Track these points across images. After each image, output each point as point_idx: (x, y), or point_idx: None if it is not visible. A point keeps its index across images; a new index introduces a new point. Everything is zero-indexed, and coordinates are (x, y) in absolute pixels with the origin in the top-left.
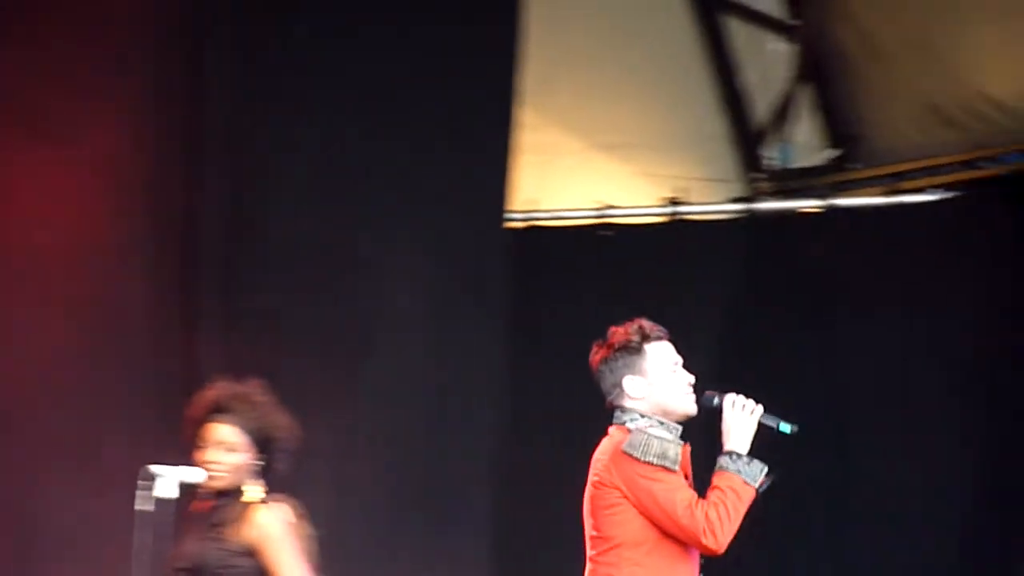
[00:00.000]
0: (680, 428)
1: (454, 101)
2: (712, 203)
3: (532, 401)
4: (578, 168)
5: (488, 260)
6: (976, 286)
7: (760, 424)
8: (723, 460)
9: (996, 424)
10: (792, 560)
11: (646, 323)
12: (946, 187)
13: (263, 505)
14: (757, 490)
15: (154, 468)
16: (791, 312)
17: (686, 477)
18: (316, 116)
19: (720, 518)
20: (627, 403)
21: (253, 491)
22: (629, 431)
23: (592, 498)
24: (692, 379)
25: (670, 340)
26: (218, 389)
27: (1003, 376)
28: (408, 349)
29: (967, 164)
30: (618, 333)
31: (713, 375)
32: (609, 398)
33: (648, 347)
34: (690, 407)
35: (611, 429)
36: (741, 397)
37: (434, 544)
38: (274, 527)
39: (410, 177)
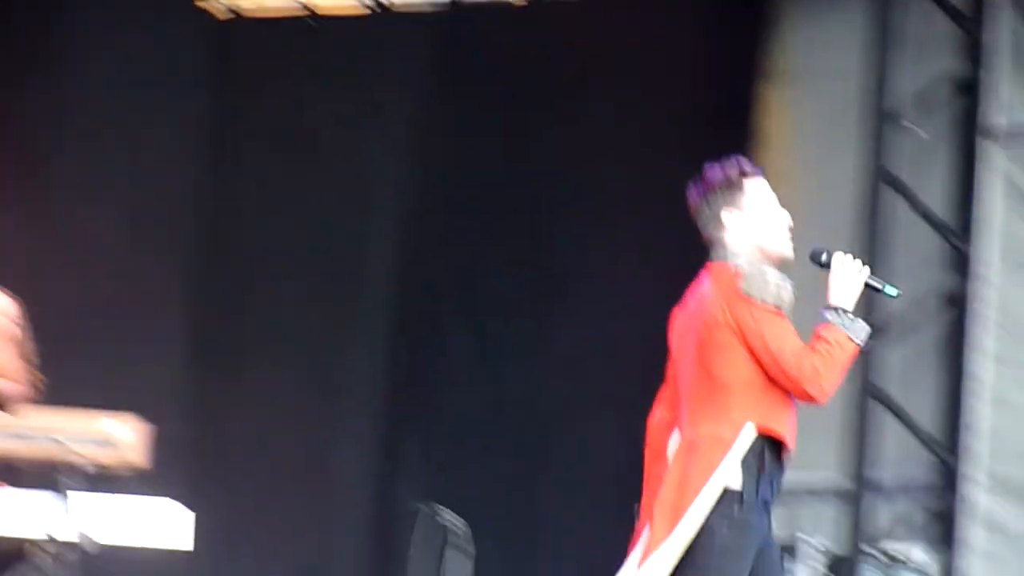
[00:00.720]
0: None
1: None
2: None
3: (228, 197)
4: None
5: (183, 47)
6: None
7: (866, 285)
8: (829, 313)
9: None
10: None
11: (743, 160)
12: None
13: None
14: (859, 348)
15: None
16: (494, 104)
17: None
18: None
19: (825, 368)
20: (726, 236)
21: None
22: (737, 269)
23: (703, 338)
24: (790, 220)
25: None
26: None
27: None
28: (101, 144)
29: None
30: (715, 168)
31: (407, 164)
32: (706, 232)
33: (747, 183)
34: (787, 248)
35: (711, 266)
36: (850, 256)
37: (126, 363)
38: None
39: None
